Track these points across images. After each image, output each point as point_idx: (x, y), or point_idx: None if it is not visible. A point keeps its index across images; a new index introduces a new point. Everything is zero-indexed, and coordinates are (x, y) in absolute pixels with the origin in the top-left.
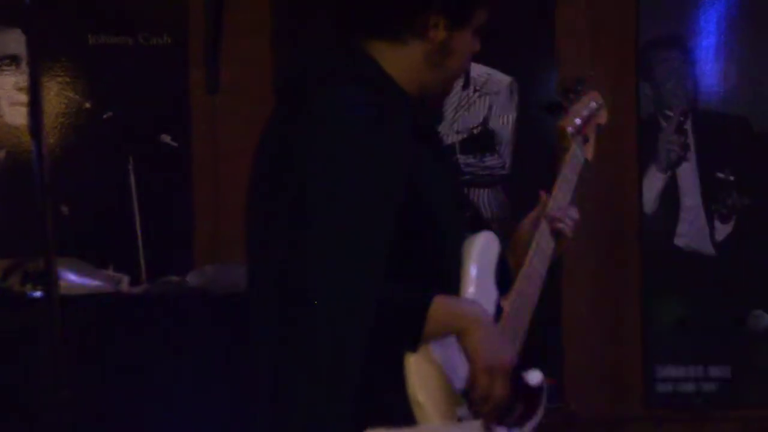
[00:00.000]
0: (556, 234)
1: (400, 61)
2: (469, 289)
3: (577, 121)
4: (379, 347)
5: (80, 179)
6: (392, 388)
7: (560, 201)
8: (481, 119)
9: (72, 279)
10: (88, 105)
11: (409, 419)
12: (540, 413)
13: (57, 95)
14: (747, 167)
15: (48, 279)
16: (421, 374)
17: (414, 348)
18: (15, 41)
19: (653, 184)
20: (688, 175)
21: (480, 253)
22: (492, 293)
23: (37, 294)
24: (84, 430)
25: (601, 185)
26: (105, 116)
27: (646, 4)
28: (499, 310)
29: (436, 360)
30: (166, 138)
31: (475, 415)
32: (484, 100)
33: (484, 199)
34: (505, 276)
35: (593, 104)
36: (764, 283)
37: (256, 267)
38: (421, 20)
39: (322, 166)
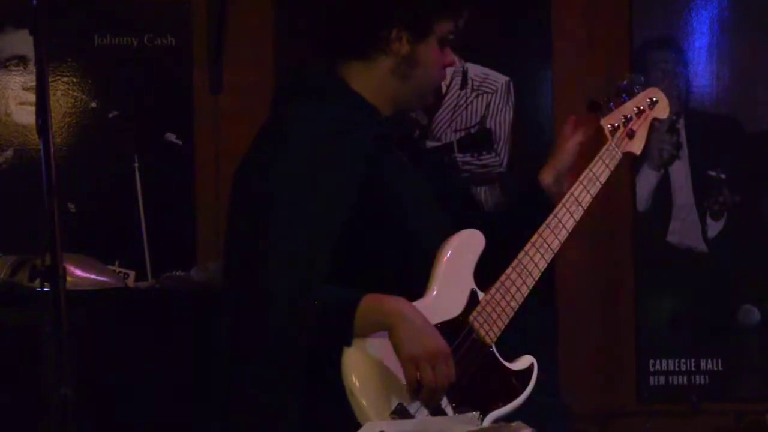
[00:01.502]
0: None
1: (370, 77)
2: (434, 287)
3: (619, 118)
4: (316, 342)
5: (87, 177)
6: (329, 379)
7: (581, 191)
8: (478, 118)
9: (79, 275)
10: (94, 104)
11: (347, 408)
12: (524, 395)
13: (64, 95)
14: (738, 166)
15: (55, 275)
16: (356, 367)
17: (347, 342)
18: (22, 42)
19: (646, 182)
20: (680, 173)
21: (454, 251)
22: (465, 286)
23: (45, 289)
24: (90, 424)
25: None
26: (111, 115)
27: (639, 6)
28: (474, 300)
29: (373, 354)
30: (171, 137)
31: (418, 403)
32: (481, 99)
33: (481, 196)
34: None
35: (647, 101)
36: (755, 278)
37: (226, 269)
38: (383, 35)
39: (279, 176)
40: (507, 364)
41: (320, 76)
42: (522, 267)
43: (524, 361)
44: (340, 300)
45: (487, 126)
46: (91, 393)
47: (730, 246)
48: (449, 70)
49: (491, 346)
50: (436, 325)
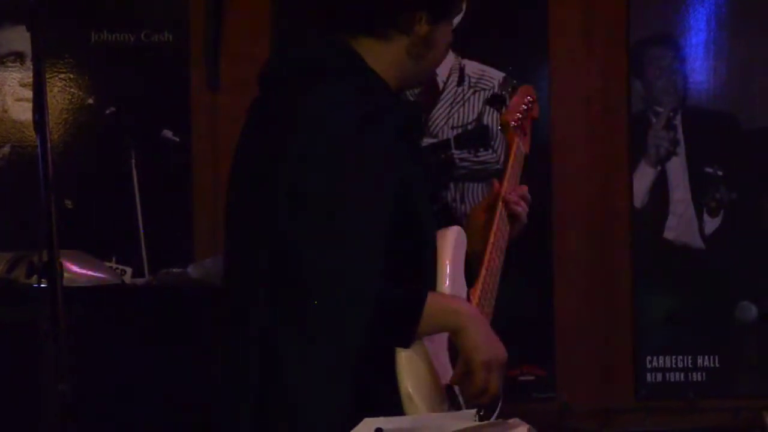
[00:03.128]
0: (511, 217)
1: (384, 56)
2: (446, 284)
3: (517, 115)
4: (374, 341)
5: (83, 174)
6: (384, 380)
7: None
8: (475, 115)
9: (76, 271)
10: (90, 101)
11: (399, 411)
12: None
13: (61, 91)
14: (735, 162)
15: (52, 271)
16: (412, 368)
17: (407, 344)
18: (19, 38)
19: (643, 178)
20: (677, 169)
21: (453, 248)
22: (463, 287)
23: (42, 286)
24: (87, 421)
25: (593, 180)
26: (107, 112)
27: (636, 2)
28: (468, 298)
29: (425, 355)
30: (168, 133)
31: (469, 408)
32: (478, 96)
33: (478, 193)
34: (467, 268)
35: (528, 98)
36: (751, 274)
37: (238, 259)
38: (407, 16)
39: (318, 166)
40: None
41: (333, 51)
42: (493, 269)
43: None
44: (405, 296)
45: (484, 122)
46: (88, 390)
47: (727, 242)
48: (446, 67)
49: None
50: None
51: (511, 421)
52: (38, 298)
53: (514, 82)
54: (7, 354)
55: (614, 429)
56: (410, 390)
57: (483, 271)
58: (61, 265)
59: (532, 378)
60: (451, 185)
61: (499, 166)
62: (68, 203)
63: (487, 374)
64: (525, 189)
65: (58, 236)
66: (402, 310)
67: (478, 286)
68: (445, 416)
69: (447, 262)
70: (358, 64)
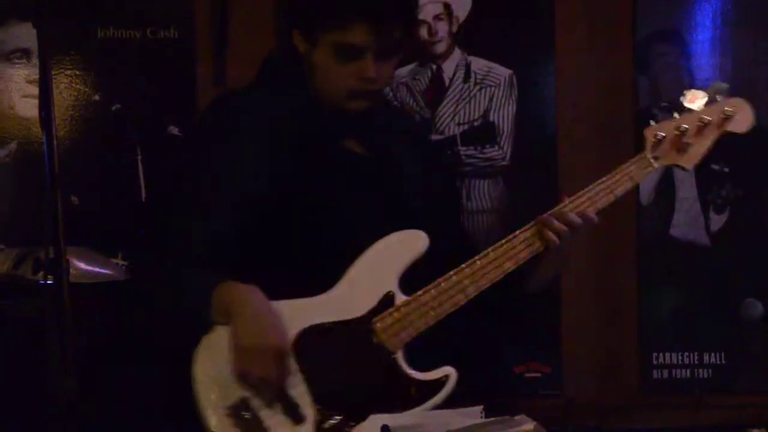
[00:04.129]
0: (546, 242)
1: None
2: (339, 285)
3: (670, 129)
4: (179, 323)
5: (89, 170)
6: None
7: (583, 203)
8: (481, 111)
9: (82, 267)
10: (96, 97)
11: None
12: (423, 406)
13: (67, 88)
14: (741, 159)
15: (58, 267)
16: (208, 355)
17: (204, 327)
18: (26, 35)
19: (649, 175)
20: None
21: (375, 251)
22: (380, 287)
23: (48, 282)
24: (93, 418)
25: (599, 176)
26: (113, 108)
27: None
28: (387, 303)
29: (224, 344)
30: (174, 130)
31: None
32: (484, 92)
33: (484, 190)
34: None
35: (721, 113)
36: (758, 272)
37: None
38: (292, 32)
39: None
40: (412, 372)
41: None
42: (452, 285)
43: (438, 373)
44: (202, 283)
45: (491, 119)
46: (93, 385)
47: (733, 239)
48: (453, 63)
49: (394, 353)
50: (327, 324)
51: (517, 417)
52: (44, 294)
53: (724, 87)
54: (13, 349)
55: (620, 425)
56: (196, 374)
57: (431, 288)
58: (67, 261)
59: (537, 375)
60: (457, 182)
61: (505, 163)
62: (74, 199)
63: (241, 361)
64: (588, 214)
65: (64, 232)
66: (195, 294)
67: (418, 294)
68: (451, 413)
69: (356, 264)
70: (293, 73)
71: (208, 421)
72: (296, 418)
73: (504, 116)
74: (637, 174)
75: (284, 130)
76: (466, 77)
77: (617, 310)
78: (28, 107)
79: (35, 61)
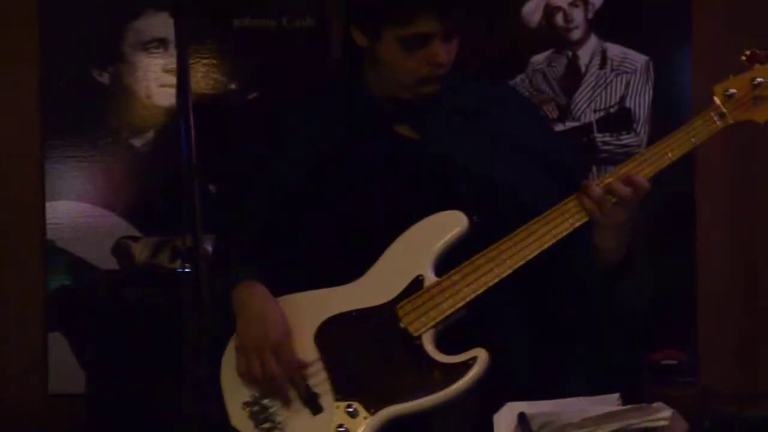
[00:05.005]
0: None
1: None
2: (369, 272)
3: (743, 83)
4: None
5: (227, 158)
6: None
7: (633, 168)
8: (617, 98)
9: None
10: (233, 86)
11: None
12: (447, 390)
13: (203, 77)
14: None
15: (196, 256)
16: (231, 352)
17: (228, 328)
18: (163, 25)
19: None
20: None
21: (408, 235)
22: (410, 271)
23: (186, 270)
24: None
25: (736, 161)
26: (250, 97)
27: None
28: (415, 287)
29: None
30: None
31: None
32: (620, 79)
33: None
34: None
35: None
36: None
37: None
38: (352, 29)
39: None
40: (438, 356)
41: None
42: (483, 263)
43: (465, 355)
44: (228, 282)
45: (627, 106)
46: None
47: None
48: (589, 50)
49: (418, 338)
50: (351, 312)
51: (655, 405)
52: (182, 282)
53: None
54: (151, 335)
55: (758, 412)
56: (222, 369)
57: (465, 265)
58: (204, 249)
59: (674, 362)
60: (594, 168)
61: (641, 149)
62: (212, 188)
63: (242, 359)
64: (634, 178)
65: (201, 221)
66: (221, 294)
67: (450, 274)
68: (588, 400)
69: (387, 250)
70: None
71: (229, 416)
72: (315, 408)
73: (640, 103)
74: (700, 133)
75: (332, 123)
76: (602, 64)
77: (755, 297)
78: (165, 96)
79: (172, 50)
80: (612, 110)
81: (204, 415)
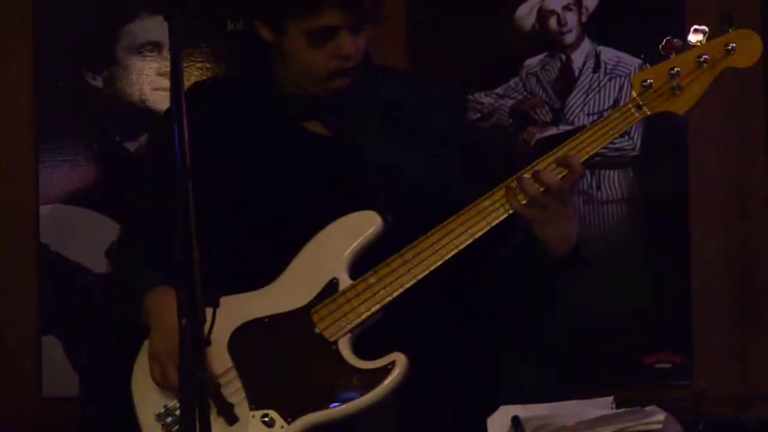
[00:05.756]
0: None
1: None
2: (282, 276)
3: (660, 73)
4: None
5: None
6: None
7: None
8: (611, 101)
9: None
10: None
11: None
12: (368, 396)
13: (197, 80)
14: None
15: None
16: (141, 361)
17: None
18: (156, 28)
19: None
20: None
21: (320, 237)
22: (324, 274)
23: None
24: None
25: (729, 162)
26: None
27: None
28: (330, 290)
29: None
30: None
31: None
32: (614, 82)
33: (614, 180)
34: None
35: (722, 48)
36: None
37: None
38: (253, 24)
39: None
40: (355, 362)
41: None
42: (400, 265)
43: (383, 360)
44: (138, 287)
45: None
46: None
47: None
48: (582, 53)
49: (335, 344)
50: (264, 318)
51: (648, 408)
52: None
53: (731, 18)
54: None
55: (753, 415)
56: (133, 377)
57: (383, 266)
58: (198, 252)
59: (668, 365)
60: (588, 172)
61: (635, 153)
62: None
63: (156, 365)
64: (570, 159)
65: (194, 226)
66: (132, 298)
67: (367, 275)
68: (582, 403)
69: (300, 253)
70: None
71: (141, 427)
72: (230, 418)
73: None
74: (618, 125)
75: (240, 119)
76: (596, 67)
77: (751, 301)
78: (159, 100)
79: (166, 54)
80: (606, 114)
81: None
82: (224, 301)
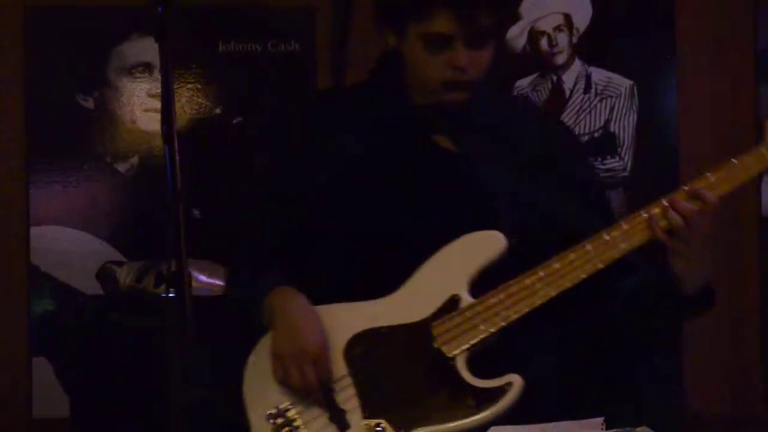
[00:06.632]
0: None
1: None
2: (403, 287)
3: None
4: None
5: (211, 183)
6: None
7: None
8: (602, 122)
9: (203, 280)
10: (218, 110)
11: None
12: (481, 415)
13: (188, 101)
14: None
15: (180, 281)
16: (257, 357)
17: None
18: (148, 49)
19: None
20: None
21: (444, 252)
22: (445, 289)
23: (170, 295)
24: (214, 427)
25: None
26: (235, 121)
27: (765, 7)
28: (451, 306)
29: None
30: None
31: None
32: (605, 103)
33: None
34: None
35: None
36: None
37: None
38: (383, 31)
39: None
40: (471, 380)
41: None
42: (523, 288)
43: (500, 380)
44: (258, 288)
45: (611, 130)
46: (215, 397)
47: None
48: (573, 74)
49: (452, 360)
50: (382, 328)
51: (639, 429)
52: (167, 307)
53: None
54: (137, 361)
55: None
56: (245, 377)
57: (501, 288)
58: (189, 274)
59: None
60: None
61: (626, 174)
62: (196, 213)
63: (279, 367)
64: (702, 192)
65: (186, 246)
66: (251, 301)
67: (487, 296)
68: (572, 425)
69: (423, 266)
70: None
71: (251, 425)
72: (342, 425)
73: (625, 127)
74: (752, 168)
75: (368, 130)
76: (587, 88)
77: (740, 321)
78: (150, 121)
79: (157, 75)
80: (596, 135)
81: None
82: (343, 307)
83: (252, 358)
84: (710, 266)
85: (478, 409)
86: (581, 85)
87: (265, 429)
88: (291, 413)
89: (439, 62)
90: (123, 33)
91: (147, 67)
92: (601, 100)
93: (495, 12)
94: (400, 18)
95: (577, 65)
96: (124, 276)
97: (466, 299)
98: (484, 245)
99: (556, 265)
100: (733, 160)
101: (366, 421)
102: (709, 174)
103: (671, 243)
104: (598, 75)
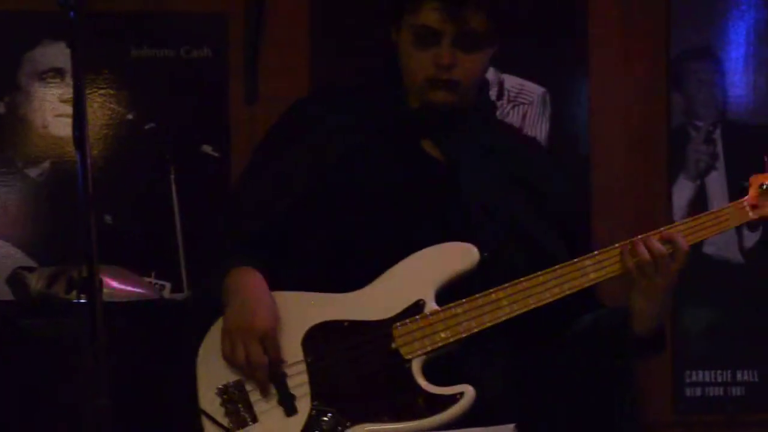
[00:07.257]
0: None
1: None
2: (372, 285)
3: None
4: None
5: (123, 189)
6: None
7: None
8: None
9: (115, 286)
10: (130, 116)
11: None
12: (429, 420)
13: (100, 107)
14: None
15: (91, 286)
16: (213, 335)
17: (216, 310)
18: (59, 54)
19: (683, 192)
20: (717, 183)
21: (417, 258)
22: (412, 294)
23: (81, 301)
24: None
25: (632, 193)
26: (147, 127)
27: (676, 17)
28: (415, 310)
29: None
30: (207, 149)
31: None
32: (517, 110)
33: None
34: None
35: None
36: None
37: None
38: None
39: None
40: (425, 385)
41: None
42: (488, 302)
43: (453, 389)
44: (219, 270)
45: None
46: (126, 404)
47: (767, 256)
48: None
49: (408, 362)
50: (344, 321)
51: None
52: (78, 313)
53: None
54: (46, 369)
55: None
56: (201, 352)
57: (467, 302)
58: (100, 280)
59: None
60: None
61: None
62: (108, 219)
63: (227, 342)
64: (675, 237)
65: (97, 251)
66: (215, 277)
67: (452, 306)
68: (482, 431)
69: (394, 268)
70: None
71: (199, 398)
72: (289, 409)
73: (537, 134)
74: (728, 221)
75: (358, 132)
76: (499, 95)
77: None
78: (61, 126)
79: (69, 80)
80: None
81: None
82: (310, 296)
83: (208, 335)
84: (668, 313)
85: (428, 413)
86: (494, 91)
87: (213, 400)
88: (240, 391)
89: (425, 58)
90: (34, 38)
91: (59, 73)
92: (513, 107)
93: (487, 16)
94: (398, 8)
95: (490, 72)
96: (35, 282)
97: (431, 306)
98: (457, 257)
99: (525, 284)
100: (714, 211)
101: (314, 409)
102: (688, 220)
103: (636, 274)
104: (511, 82)
